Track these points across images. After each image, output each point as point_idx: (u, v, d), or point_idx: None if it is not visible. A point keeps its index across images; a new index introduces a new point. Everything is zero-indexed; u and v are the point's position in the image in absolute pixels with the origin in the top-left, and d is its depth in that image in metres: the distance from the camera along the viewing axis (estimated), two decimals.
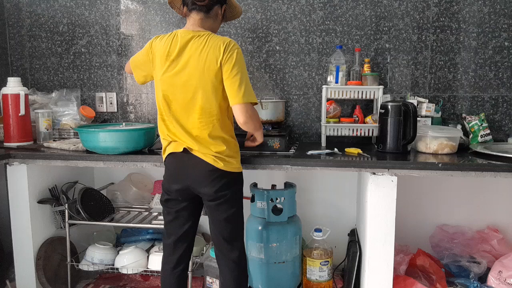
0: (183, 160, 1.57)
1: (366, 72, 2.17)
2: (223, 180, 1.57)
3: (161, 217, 1.84)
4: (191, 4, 1.56)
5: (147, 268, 2.14)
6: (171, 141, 1.60)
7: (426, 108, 2.16)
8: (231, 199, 1.61)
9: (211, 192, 1.56)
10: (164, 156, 1.64)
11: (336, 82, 2.16)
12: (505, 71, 2.23)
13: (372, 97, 2.14)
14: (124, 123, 2.08)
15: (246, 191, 2.21)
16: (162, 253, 2.12)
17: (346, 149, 1.93)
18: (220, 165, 1.54)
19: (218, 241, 1.67)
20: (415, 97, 2.20)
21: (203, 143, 1.54)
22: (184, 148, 1.56)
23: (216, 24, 1.65)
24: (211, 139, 1.54)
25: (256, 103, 1.59)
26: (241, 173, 1.66)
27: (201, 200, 1.65)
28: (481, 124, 2.11)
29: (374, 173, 1.73)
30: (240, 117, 1.54)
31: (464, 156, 1.84)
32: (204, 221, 2.47)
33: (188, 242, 1.71)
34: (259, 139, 1.79)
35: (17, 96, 2.08)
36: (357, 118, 2.20)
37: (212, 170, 1.54)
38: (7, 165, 2.01)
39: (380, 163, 1.73)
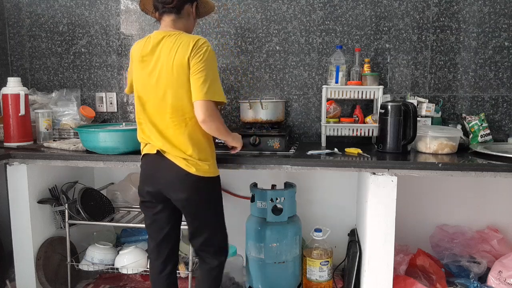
0: (155, 162, 1.55)
1: (366, 72, 2.17)
2: (196, 186, 1.53)
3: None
4: (161, 7, 1.56)
5: (147, 268, 2.14)
6: (146, 143, 1.59)
7: (426, 108, 2.16)
8: (205, 206, 1.58)
9: (182, 198, 1.53)
10: (140, 158, 1.64)
11: (336, 82, 2.16)
12: (505, 71, 2.23)
13: (372, 97, 2.14)
14: (124, 123, 2.08)
15: (246, 191, 2.22)
16: None
17: (346, 149, 1.93)
18: (192, 170, 1.51)
19: (194, 247, 1.66)
20: (415, 97, 2.20)
21: (176, 144, 1.51)
22: (157, 150, 1.54)
23: (190, 23, 1.64)
24: (184, 140, 1.51)
25: (224, 103, 1.56)
26: (217, 178, 1.62)
27: None
28: (481, 124, 2.11)
29: (374, 173, 1.73)
30: (199, 115, 1.48)
31: (464, 156, 1.84)
32: None
33: (171, 245, 1.68)
34: (234, 144, 1.74)
35: (17, 96, 2.08)
36: (357, 118, 2.20)
37: (184, 175, 1.51)
38: (7, 165, 2.01)
39: (380, 163, 1.73)
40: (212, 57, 1.52)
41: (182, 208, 1.59)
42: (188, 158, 1.51)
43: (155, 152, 1.54)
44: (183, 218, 1.67)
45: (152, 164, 1.57)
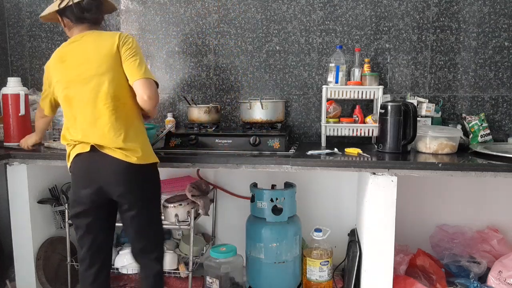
0: (92, 159, 1.47)
1: (366, 72, 2.17)
2: (140, 176, 1.50)
3: (162, 217, 1.83)
4: (78, 18, 1.55)
5: None
6: (75, 144, 1.51)
7: (426, 108, 2.16)
8: (151, 198, 1.56)
9: (126, 191, 1.48)
10: (69, 163, 1.54)
11: (336, 82, 2.16)
12: (505, 71, 2.23)
13: (372, 97, 2.14)
14: None
15: (246, 191, 2.22)
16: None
17: (346, 149, 1.93)
18: (133, 159, 1.46)
19: (136, 249, 1.60)
20: (415, 97, 2.20)
21: (112, 132, 1.46)
22: (92, 146, 1.46)
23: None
24: (119, 125, 1.47)
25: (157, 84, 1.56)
26: (156, 164, 1.58)
27: (116, 206, 1.57)
28: (481, 124, 2.11)
29: (374, 173, 1.73)
30: (144, 92, 1.47)
31: (464, 156, 1.84)
32: (204, 220, 2.47)
33: (106, 253, 1.62)
34: (153, 115, 1.68)
35: (17, 96, 2.08)
36: (357, 118, 2.20)
37: (125, 167, 1.46)
38: (7, 165, 2.01)
39: (380, 163, 1.74)
40: (139, 45, 1.57)
41: (126, 203, 1.51)
42: (126, 147, 1.46)
43: (88, 149, 1.47)
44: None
45: (87, 162, 1.48)
